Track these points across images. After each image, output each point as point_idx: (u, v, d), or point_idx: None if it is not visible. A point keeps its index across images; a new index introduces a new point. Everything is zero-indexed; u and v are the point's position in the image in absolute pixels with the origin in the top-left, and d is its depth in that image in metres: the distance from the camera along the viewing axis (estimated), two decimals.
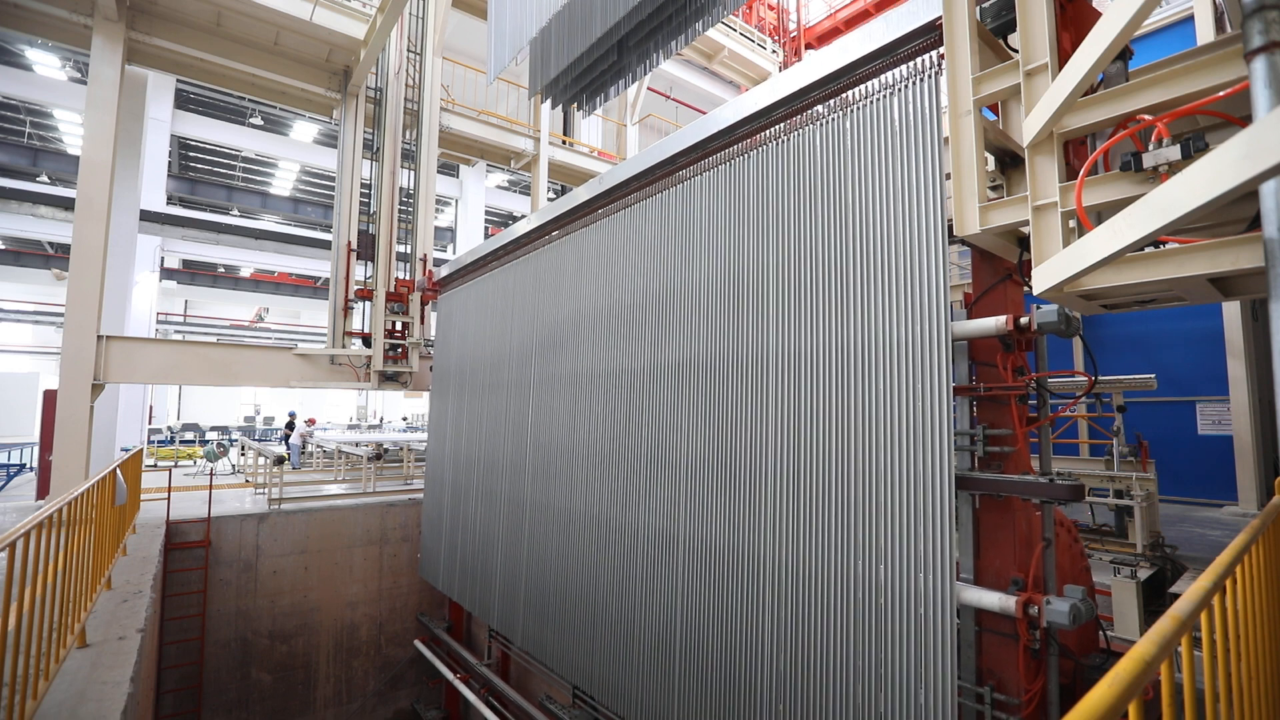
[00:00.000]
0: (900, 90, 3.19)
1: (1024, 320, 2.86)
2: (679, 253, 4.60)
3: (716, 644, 3.94)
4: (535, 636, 5.81)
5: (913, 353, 3.04)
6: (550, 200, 19.31)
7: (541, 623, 5.74)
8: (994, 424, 3.08)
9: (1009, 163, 3.07)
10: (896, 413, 3.07)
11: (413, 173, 10.74)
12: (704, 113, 19.37)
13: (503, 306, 7.18)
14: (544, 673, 6.28)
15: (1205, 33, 7.18)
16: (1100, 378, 6.33)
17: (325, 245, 17.44)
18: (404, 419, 28.03)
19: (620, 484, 4.96)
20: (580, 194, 5.77)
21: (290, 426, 15.10)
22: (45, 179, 20.01)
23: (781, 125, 3.92)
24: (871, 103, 3.33)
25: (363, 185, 10.27)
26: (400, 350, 10.03)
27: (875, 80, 3.34)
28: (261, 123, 20.87)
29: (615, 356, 5.18)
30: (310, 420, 17.08)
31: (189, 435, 20.38)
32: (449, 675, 7.69)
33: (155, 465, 14.08)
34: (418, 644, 8.83)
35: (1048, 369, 3.21)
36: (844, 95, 3.52)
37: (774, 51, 16.02)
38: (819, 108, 3.67)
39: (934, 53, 3.04)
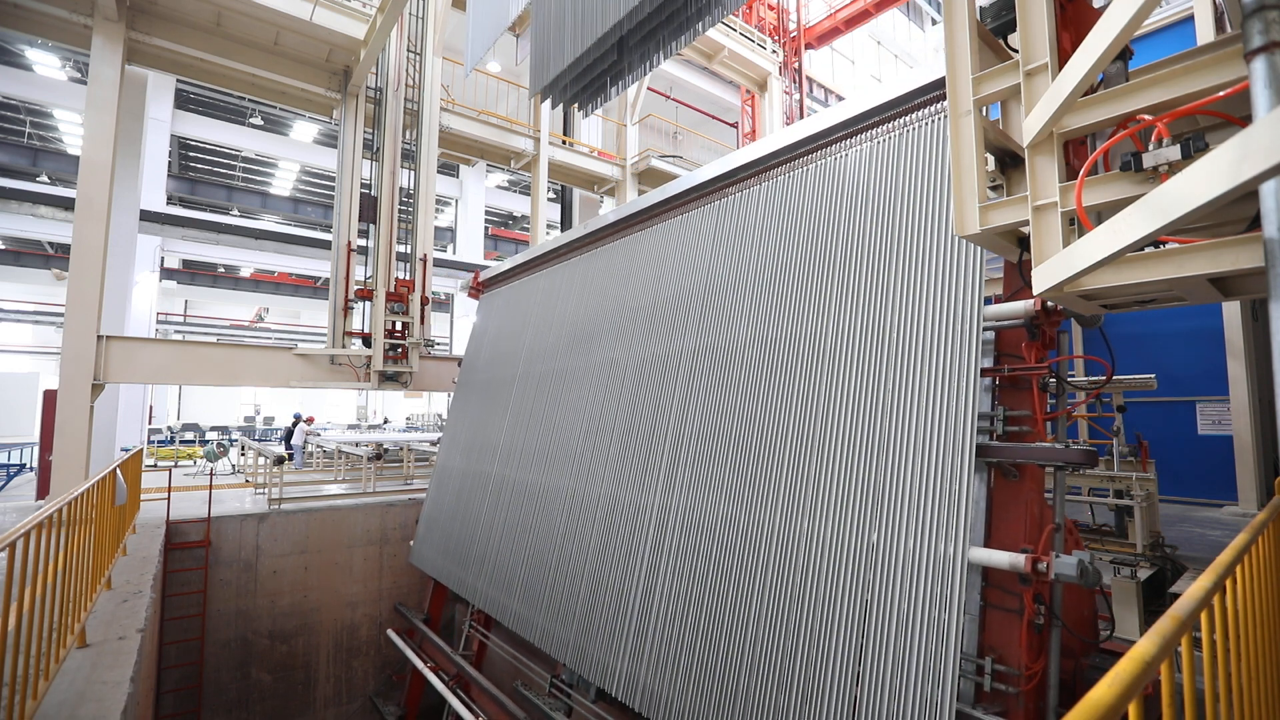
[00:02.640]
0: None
1: (1051, 303, 3.04)
2: (736, 250, 5.04)
3: (728, 628, 3.98)
4: (527, 619, 5.88)
5: (946, 336, 3.37)
6: (550, 200, 19.34)
7: (535, 605, 5.80)
8: (1014, 407, 3.29)
9: (1009, 163, 3.06)
10: (928, 389, 3.37)
11: (413, 173, 10.74)
12: (704, 113, 19.35)
13: (543, 304, 7.65)
14: (525, 665, 6.29)
15: (1205, 33, 7.18)
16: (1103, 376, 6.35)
17: (325, 245, 17.43)
18: (406, 419, 28.03)
19: (641, 469, 5.10)
20: (636, 204, 6.41)
21: (294, 426, 15.11)
22: (45, 179, 20.02)
23: (841, 144, 4.43)
24: (926, 123, 3.89)
25: (363, 185, 10.27)
26: (400, 350, 10.02)
27: (926, 109, 3.92)
28: (261, 123, 20.88)
29: (650, 347, 5.53)
30: (309, 419, 17.05)
31: (189, 435, 20.39)
32: (419, 664, 7.56)
33: (155, 465, 14.08)
34: (390, 633, 8.65)
35: (1065, 366, 3.40)
36: (901, 119, 4.07)
37: (774, 51, 16.00)
38: (872, 130, 4.24)
39: None
